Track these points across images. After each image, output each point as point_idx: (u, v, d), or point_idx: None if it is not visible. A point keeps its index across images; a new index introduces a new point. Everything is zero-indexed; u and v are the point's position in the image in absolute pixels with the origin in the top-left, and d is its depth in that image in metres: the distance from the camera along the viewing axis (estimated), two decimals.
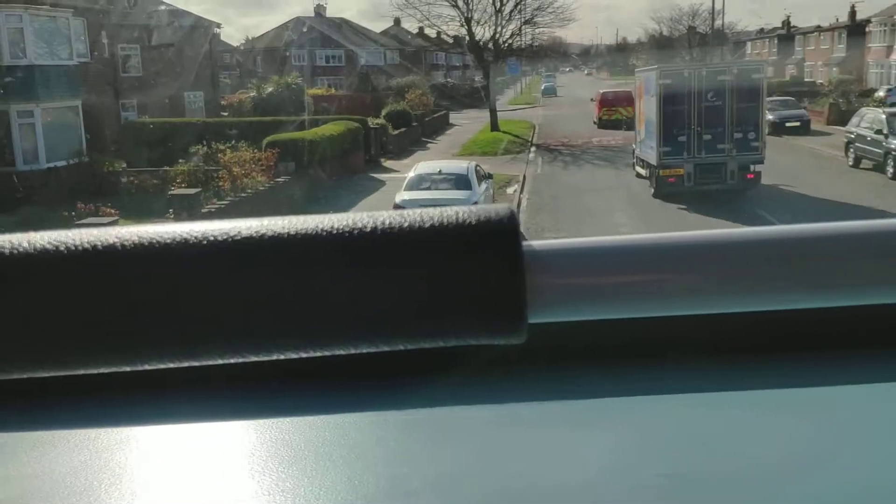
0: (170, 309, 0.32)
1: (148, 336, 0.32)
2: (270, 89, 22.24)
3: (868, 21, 38.38)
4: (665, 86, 11.99)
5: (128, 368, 0.33)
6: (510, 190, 14.71)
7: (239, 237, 0.33)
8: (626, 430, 0.67)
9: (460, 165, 12.50)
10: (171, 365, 0.33)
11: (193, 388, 0.68)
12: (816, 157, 18.22)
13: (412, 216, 0.33)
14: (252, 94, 23.50)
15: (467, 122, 30.06)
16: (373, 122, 20.11)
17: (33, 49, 15.75)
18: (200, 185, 13.14)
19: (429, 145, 23.85)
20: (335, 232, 0.33)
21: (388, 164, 19.10)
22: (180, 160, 14.38)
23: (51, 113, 16.19)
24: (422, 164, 12.62)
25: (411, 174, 11.98)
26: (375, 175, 17.26)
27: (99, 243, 0.33)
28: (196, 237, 0.33)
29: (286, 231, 0.33)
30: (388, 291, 0.32)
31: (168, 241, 0.33)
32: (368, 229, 0.33)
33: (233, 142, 14.47)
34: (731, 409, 0.69)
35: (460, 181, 11.32)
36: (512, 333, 0.33)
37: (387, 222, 0.33)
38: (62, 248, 0.32)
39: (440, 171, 11.83)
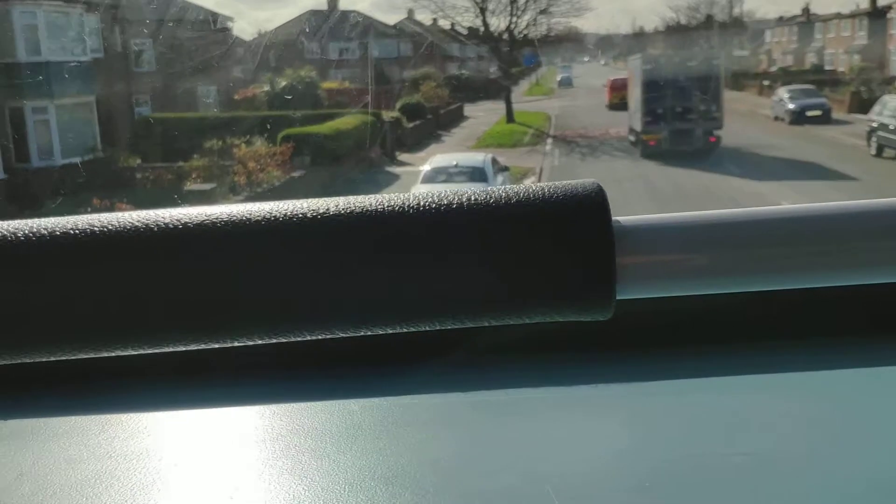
0: (219, 289, 0.31)
1: (201, 316, 0.32)
2: (284, 83, 22.17)
3: (889, 7, 37.81)
4: (646, 70, 15.81)
5: (150, 350, 0.33)
6: (527, 182, 14.52)
7: (326, 216, 0.32)
8: (635, 416, 0.66)
9: (476, 158, 12.36)
10: (224, 344, 0.33)
11: (201, 374, 0.68)
12: (838, 146, 17.91)
13: (497, 192, 0.33)
14: (265, 89, 23.45)
15: (482, 114, 29.87)
16: (387, 115, 20.00)
17: (47, 45, 15.73)
18: (215, 180, 13.07)
19: (444, 138, 23.71)
20: (422, 209, 0.32)
21: (403, 157, 18.98)
22: (195, 155, 14.32)
23: (65, 109, 16.19)
24: (437, 157, 12.50)
25: (427, 167, 11.85)
26: (390, 169, 17.14)
27: (128, 224, 0.32)
28: (284, 216, 0.32)
29: (374, 209, 0.32)
30: (476, 267, 0.32)
31: (233, 220, 0.32)
32: (454, 206, 0.32)
33: (247, 136, 14.40)
34: (748, 393, 0.69)
35: (476, 174, 11.19)
36: (600, 310, 0.33)
37: (472, 198, 0.33)
38: (84, 230, 0.32)
39: (456, 163, 11.70)
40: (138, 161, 15.80)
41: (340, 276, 0.32)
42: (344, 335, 0.33)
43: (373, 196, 0.33)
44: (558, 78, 54.59)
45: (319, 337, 0.33)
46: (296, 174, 13.69)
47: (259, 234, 0.32)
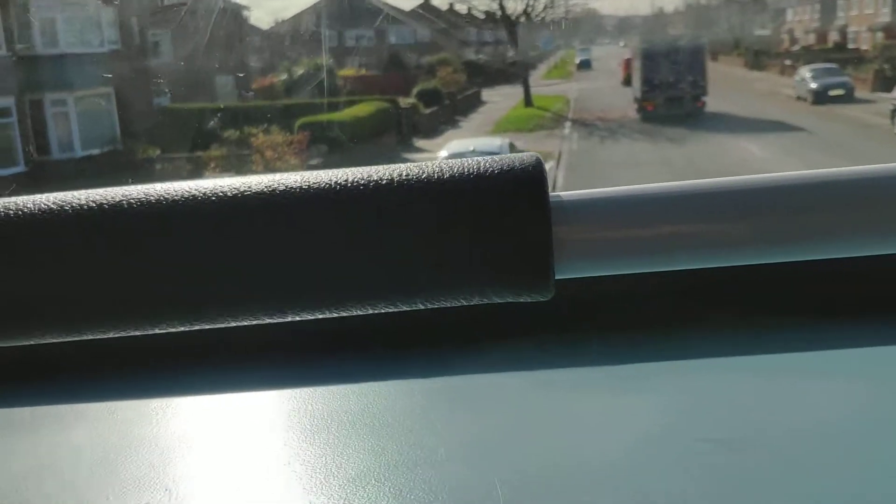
0: (184, 268, 0.31)
1: (166, 298, 0.31)
2: (301, 72, 22.18)
3: None
4: (644, 49, 19.60)
5: (140, 332, 0.32)
6: (546, 167, 14.45)
7: (242, 194, 0.31)
8: (662, 396, 0.65)
9: (493, 143, 12.30)
10: (186, 328, 0.32)
11: (210, 359, 0.68)
12: (862, 125, 17.64)
13: (430, 167, 0.31)
14: (283, 78, 23.48)
15: (500, 99, 29.73)
16: (404, 101, 19.97)
17: (65, 37, 15.83)
18: (233, 169, 13.14)
19: (461, 123, 23.64)
20: (349, 185, 0.31)
21: (420, 143, 18.95)
22: (213, 145, 14.40)
23: (84, 101, 16.31)
24: (454, 143, 12.45)
25: (443, 153, 11.82)
26: (407, 155, 17.11)
27: (121, 200, 0.31)
28: (199, 195, 0.31)
29: (297, 185, 0.31)
30: (406, 247, 0.30)
31: (181, 198, 0.31)
32: (384, 181, 0.31)
33: (265, 125, 14.45)
34: (776, 373, 0.67)
35: None
36: (538, 290, 0.31)
37: (403, 174, 0.31)
38: (88, 206, 0.31)
39: (473, 149, 11.65)
40: (157, 152, 15.90)
41: (261, 255, 0.30)
42: (270, 321, 0.31)
43: (297, 173, 0.31)
44: (577, 61, 54.17)
45: (244, 323, 0.32)
46: (313, 162, 13.70)
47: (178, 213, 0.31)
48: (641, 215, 0.32)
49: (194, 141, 15.63)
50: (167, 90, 21.40)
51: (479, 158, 0.32)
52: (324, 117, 15.35)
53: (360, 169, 0.32)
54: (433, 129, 21.43)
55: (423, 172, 0.31)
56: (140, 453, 0.62)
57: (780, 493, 0.53)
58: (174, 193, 0.31)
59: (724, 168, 13.23)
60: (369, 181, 0.31)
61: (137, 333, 0.32)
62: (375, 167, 0.31)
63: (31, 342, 0.32)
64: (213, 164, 13.86)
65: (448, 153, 11.54)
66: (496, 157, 0.32)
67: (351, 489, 0.56)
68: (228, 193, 0.31)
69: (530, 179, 0.30)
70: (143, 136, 17.52)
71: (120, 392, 0.70)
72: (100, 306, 0.31)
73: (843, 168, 0.32)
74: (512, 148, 11.66)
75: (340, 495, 0.55)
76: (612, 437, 0.60)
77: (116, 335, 0.32)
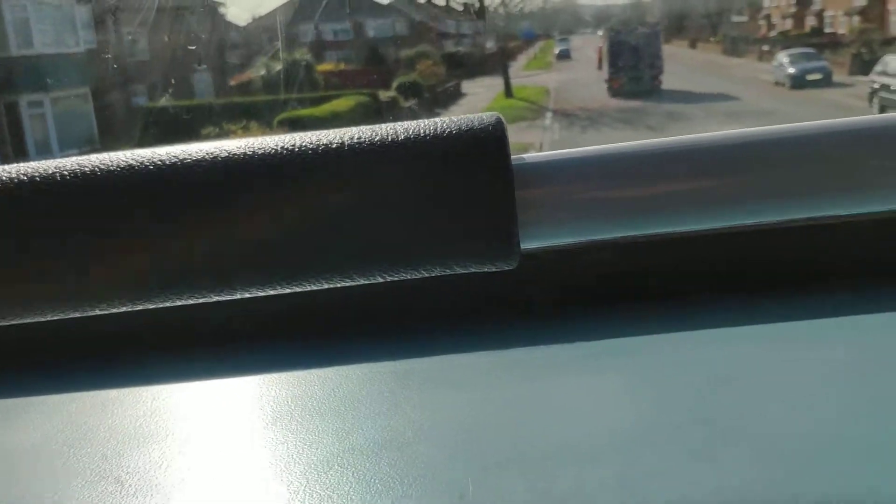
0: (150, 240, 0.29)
1: (136, 273, 0.29)
2: (279, 67, 22.10)
3: None
4: (610, 37, 23.17)
5: (114, 310, 0.30)
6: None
7: (182, 162, 0.29)
8: (637, 372, 0.64)
9: None
10: (151, 305, 0.30)
11: (168, 347, 0.67)
12: (841, 108, 17.80)
13: (385, 129, 0.29)
14: (261, 73, 23.37)
15: (481, 91, 29.72)
16: (384, 95, 19.93)
17: (40, 38, 15.67)
18: None
19: (442, 116, 23.64)
20: (298, 150, 0.29)
21: None
22: (192, 142, 14.34)
23: (61, 102, 16.17)
24: None
25: None
26: None
27: (113, 166, 0.29)
28: (147, 162, 0.29)
29: (242, 153, 0.29)
30: (362, 216, 0.28)
31: (125, 169, 0.29)
32: (334, 145, 0.29)
33: (243, 122, 14.38)
34: (750, 344, 0.67)
35: None
36: (503, 258, 0.29)
37: (355, 136, 0.29)
38: (70, 173, 0.29)
39: None
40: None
41: (213, 231, 0.28)
42: (219, 298, 0.30)
43: (243, 140, 0.30)
44: (556, 51, 54.34)
45: (196, 301, 0.30)
46: None
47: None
48: (609, 176, 0.30)
49: (173, 139, 15.52)
50: (145, 89, 21.24)
51: (438, 119, 0.30)
52: (303, 112, 15.28)
53: (311, 133, 0.30)
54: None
55: (377, 135, 0.29)
56: (93, 444, 0.60)
57: (761, 467, 0.52)
58: (116, 164, 0.29)
59: None
60: (319, 145, 0.29)
61: (105, 312, 0.30)
62: (328, 131, 0.29)
63: (26, 320, 0.30)
64: None
65: None
66: (455, 118, 0.30)
67: (314, 475, 0.55)
68: (168, 162, 0.29)
69: (491, 140, 0.28)
70: (122, 136, 17.39)
71: (75, 383, 0.68)
72: (71, 283, 0.29)
73: (813, 122, 0.31)
74: None
75: (303, 482, 0.54)
76: (584, 415, 0.59)
77: (91, 313, 0.30)
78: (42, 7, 16.03)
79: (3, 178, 0.29)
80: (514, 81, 27.07)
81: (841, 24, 43.17)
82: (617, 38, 23.04)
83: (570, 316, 0.70)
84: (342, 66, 31.02)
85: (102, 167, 0.29)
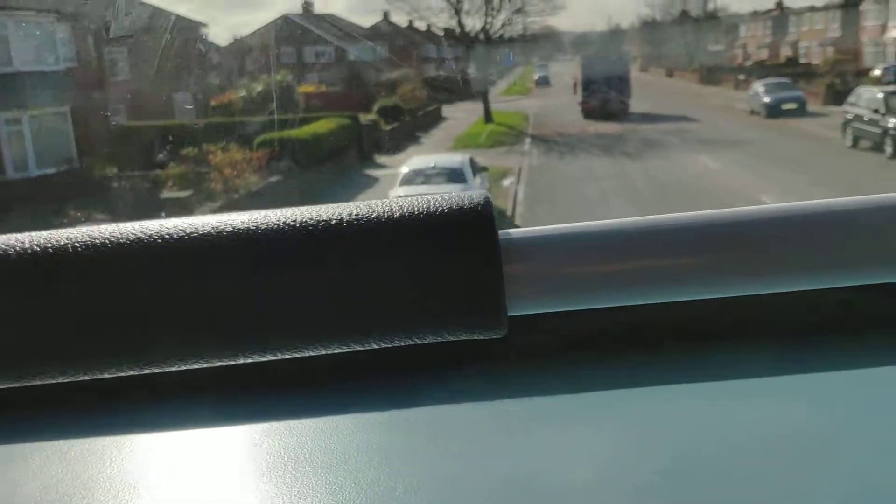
0: (146, 310, 0.30)
1: (132, 339, 0.30)
2: (260, 88, 22.07)
3: None
4: (583, 65, 25.49)
5: (111, 375, 0.31)
6: (506, 182, 14.55)
7: (189, 235, 0.31)
8: (623, 424, 0.65)
9: (454, 159, 12.35)
10: (154, 370, 0.31)
11: (172, 394, 0.67)
12: (814, 138, 18.06)
13: (379, 206, 0.32)
14: (242, 94, 23.32)
15: (461, 115, 29.88)
16: (364, 118, 19.96)
17: (19, 56, 15.59)
18: (192, 187, 13.00)
19: (422, 139, 23.69)
20: (297, 226, 0.31)
21: (381, 159, 18.96)
22: (171, 163, 14.24)
23: (39, 120, 16.07)
24: (415, 159, 12.48)
25: (405, 169, 11.83)
26: (369, 171, 17.11)
27: (91, 241, 0.31)
28: (148, 234, 0.31)
29: (246, 226, 0.31)
30: (355, 287, 0.30)
31: (125, 240, 0.31)
32: (333, 222, 0.31)
33: (223, 142, 14.33)
34: (728, 398, 0.68)
35: (455, 175, 11.18)
36: (491, 327, 0.31)
37: (353, 213, 0.31)
38: (55, 247, 0.30)
39: (434, 165, 11.68)
40: (115, 170, 15.70)
41: (214, 295, 0.30)
42: (221, 363, 0.31)
43: (253, 212, 0.31)
44: (535, 77, 54.87)
45: (194, 366, 0.31)
46: (273, 179, 13.63)
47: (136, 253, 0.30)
48: (591, 252, 0.32)
49: (152, 159, 15.44)
50: (124, 108, 21.14)
51: (429, 197, 0.32)
52: (283, 134, 15.28)
53: (311, 208, 0.31)
54: (394, 145, 21.45)
55: (373, 212, 0.31)
56: (92, 493, 0.60)
57: None
58: (112, 236, 0.30)
59: (677, 181, 13.45)
60: (319, 222, 0.30)
61: (89, 377, 0.31)
62: (326, 206, 0.31)
63: (12, 385, 0.31)
64: (171, 183, 13.72)
65: (409, 169, 11.56)
66: (445, 196, 0.31)
67: None
68: (174, 235, 0.30)
69: (479, 218, 0.30)
70: (100, 155, 17.28)
71: (70, 430, 0.68)
72: (86, 348, 0.30)
73: (796, 203, 0.33)
74: (473, 164, 11.73)
75: None
76: (570, 467, 0.60)
77: (66, 379, 0.31)
78: (22, 25, 15.97)
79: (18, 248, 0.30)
80: (493, 106, 27.22)
81: (815, 54, 43.93)
82: (590, 65, 25.70)
83: (559, 368, 0.71)
84: (323, 88, 31.06)
85: (110, 238, 0.30)
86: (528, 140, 21.40)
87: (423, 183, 11.00)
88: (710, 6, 47.49)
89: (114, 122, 19.92)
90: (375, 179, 15.98)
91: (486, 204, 0.31)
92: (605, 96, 23.93)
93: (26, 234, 0.31)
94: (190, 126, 18.31)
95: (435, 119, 30.33)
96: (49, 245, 0.30)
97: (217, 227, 0.31)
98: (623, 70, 25.01)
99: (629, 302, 0.33)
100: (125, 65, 21.78)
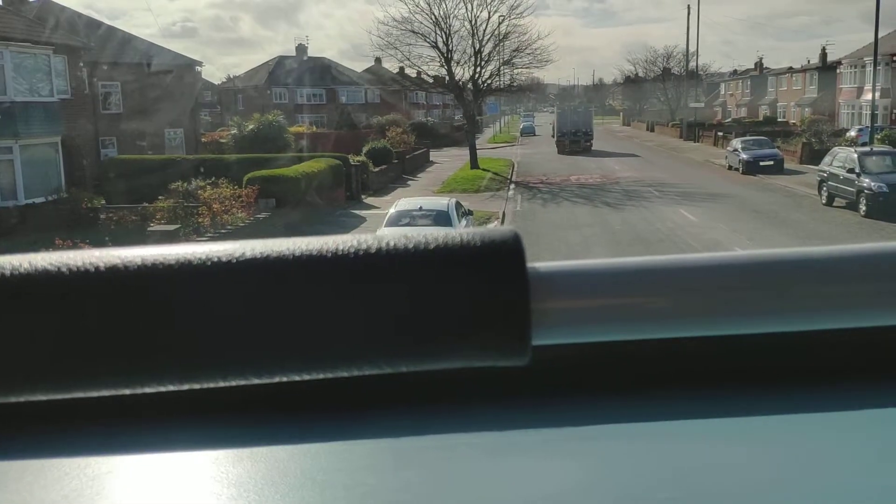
0: (161, 331, 0.31)
1: (144, 358, 0.32)
2: (251, 126, 22.31)
3: (839, 63, 39.26)
4: (558, 114, 37.49)
5: (124, 392, 0.33)
6: (490, 227, 14.79)
7: (245, 258, 0.32)
8: (626, 458, 0.66)
9: (441, 202, 12.57)
10: (164, 388, 0.33)
11: (175, 416, 0.67)
12: (791, 195, 18.52)
13: (417, 238, 0.33)
14: (233, 132, 23.54)
15: (447, 160, 30.28)
16: (354, 159, 20.21)
17: (13, 86, 15.76)
18: (180, 221, 13.11)
19: (409, 182, 23.97)
20: (340, 253, 0.32)
21: (368, 200, 19.17)
22: (160, 197, 14.36)
23: (30, 149, 16.16)
24: (402, 201, 12.68)
25: (392, 210, 12.03)
26: (356, 211, 17.31)
27: (99, 264, 0.32)
28: (195, 258, 0.32)
29: (291, 252, 0.32)
30: (392, 312, 0.32)
31: (160, 263, 0.32)
32: (374, 251, 0.32)
33: (212, 178, 14.48)
34: (731, 436, 0.69)
35: (441, 217, 11.39)
36: (516, 355, 0.33)
37: (391, 244, 0.33)
38: (62, 269, 0.32)
39: (421, 207, 11.90)
40: (102, 202, 15.80)
41: (257, 318, 0.32)
42: (260, 380, 0.33)
43: (288, 239, 0.33)
44: (521, 126, 55.77)
45: (231, 383, 0.33)
46: (261, 216, 13.80)
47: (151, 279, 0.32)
48: (614, 286, 0.34)
49: (141, 192, 15.57)
50: (115, 141, 21.28)
51: (462, 231, 0.34)
52: (273, 172, 15.48)
53: (349, 237, 0.33)
54: (382, 186, 21.69)
55: (410, 243, 0.33)
56: None
57: None
58: (132, 260, 0.32)
59: (655, 230, 13.77)
60: (358, 250, 0.32)
61: (124, 392, 0.33)
62: (362, 235, 0.33)
63: (14, 399, 0.33)
64: (158, 215, 13.82)
65: (396, 210, 11.77)
66: (478, 230, 0.34)
67: None
68: (213, 259, 0.32)
69: (509, 252, 0.33)
70: (89, 186, 17.34)
71: (85, 448, 0.67)
72: (89, 366, 0.32)
73: (809, 248, 0.36)
74: (459, 207, 11.94)
75: None
76: (587, 499, 0.61)
77: (103, 393, 0.33)
78: (18, 56, 16.17)
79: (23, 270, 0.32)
80: (480, 153, 27.57)
81: (793, 113, 44.86)
82: (563, 114, 37.53)
83: (577, 398, 0.72)
84: (314, 129, 31.35)
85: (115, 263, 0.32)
86: (512, 186, 21.74)
87: (408, 224, 11.20)
88: (691, 64, 48.53)
89: (104, 155, 20.05)
90: (363, 219, 16.18)
91: (516, 238, 0.33)
92: (573, 137, 35.39)
93: (84, 251, 0.33)
94: (180, 161, 18.43)
95: (423, 162, 30.50)
96: (101, 263, 0.32)
97: (261, 252, 0.33)
98: (587, 119, 36.71)
99: (652, 335, 0.35)
100: (118, 99, 21.98)
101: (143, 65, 22.82)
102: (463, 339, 0.33)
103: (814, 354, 0.72)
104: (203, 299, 0.32)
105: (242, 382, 0.33)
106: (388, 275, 0.32)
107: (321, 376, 0.33)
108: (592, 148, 34.80)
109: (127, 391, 0.33)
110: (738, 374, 0.72)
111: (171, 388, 0.33)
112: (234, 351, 0.32)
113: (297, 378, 0.33)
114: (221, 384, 0.33)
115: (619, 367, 0.72)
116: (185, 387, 0.33)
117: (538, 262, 0.34)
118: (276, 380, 0.33)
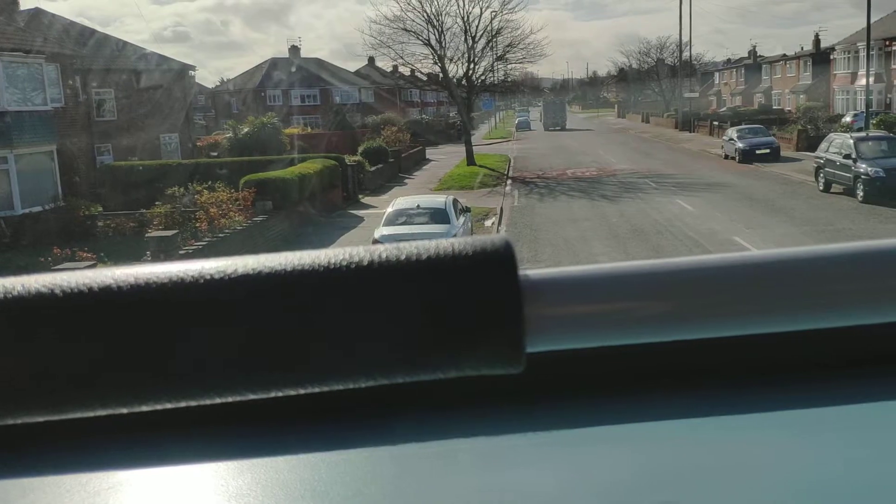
0: (164, 348, 0.32)
1: (148, 376, 0.32)
2: (246, 129, 22.29)
3: (832, 49, 39.27)
4: (544, 105, 66.27)
5: (125, 410, 0.33)
6: (488, 223, 14.81)
7: (233, 275, 0.32)
8: (623, 459, 0.66)
9: (438, 200, 12.57)
10: (167, 405, 0.33)
11: (177, 430, 0.67)
12: (788, 183, 18.52)
13: (408, 248, 0.33)
14: (228, 135, 23.51)
15: (444, 157, 30.27)
16: (350, 159, 20.19)
17: (7, 95, 15.73)
18: (177, 226, 13.09)
19: (406, 181, 23.96)
20: (332, 267, 0.33)
21: (365, 200, 19.17)
22: (157, 202, 14.34)
23: (26, 158, 16.14)
24: (400, 200, 12.68)
25: (389, 209, 12.02)
26: (354, 211, 17.31)
27: (92, 284, 0.32)
28: (186, 277, 0.32)
29: (283, 268, 0.32)
30: (385, 324, 0.32)
31: (165, 280, 0.32)
32: (365, 262, 0.33)
33: (209, 182, 14.45)
34: (730, 433, 0.69)
35: (438, 215, 11.38)
36: (510, 363, 0.33)
37: (383, 255, 0.33)
38: (56, 291, 0.32)
39: (418, 205, 11.89)
40: (100, 209, 15.78)
41: (248, 333, 0.32)
42: (253, 396, 0.33)
43: (279, 255, 0.34)
44: (516, 121, 56.90)
45: (224, 400, 0.33)
46: (258, 219, 13.79)
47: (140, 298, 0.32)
48: (607, 291, 0.34)
49: (138, 198, 15.55)
50: (111, 147, 21.26)
51: (454, 240, 0.34)
52: (269, 175, 15.47)
53: (340, 249, 0.33)
54: (379, 185, 21.69)
55: (402, 253, 0.33)
56: None
57: None
58: (119, 280, 0.32)
59: (653, 221, 13.77)
60: (350, 262, 0.33)
61: (124, 411, 0.33)
62: (355, 248, 0.33)
63: (12, 421, 0.33)
64: (156, 221, 13.80)
65: (394, 209, 11.76)
66: (469, 238, 0.34)
67: None
68: (208, 276, 0.32)
69: (501, 260, 0.33)
70: (86, 194, 17.32)
71: (86, 464, 0.67)
72: (83, 386, 0.32)
73: (799, 248, 0.36)
74: (456, 204, 11.94)
75: None
76: (581, 500, 0.61)
77: (100, 413, 0.33)
78: (11, 65, 16.14)
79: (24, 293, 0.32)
80: (475, 149, 27.55)
81: (788, 101, 44.84)
82: (546, 105, 60.79)
83: (573, 403, 0.72)
84: (309, 130, 31.29)
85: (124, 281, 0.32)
86: (509, 182, 21.74)
87: (406, 223, 11.19)
88: (685, 55, 48.55)
89: (100, 162, 20.02)
90: (360, 219, 16.18)
91: (508, 246, 0.33)
92: (553, 120, 55.77)
93: (77, 272, 0.33)
94: (175, 166, 18.41)
95: (419, 160, 30.35)
96: (94, 283, 0.32)
97: (253, 268, 0.33)
98: (563, 108, 59.17)
99: (645, 340, 0.35)
100: (112, 106, 21.94)
101: (137, 71, 22.81)
102: (457, 349, 0.33)
103: (807, 350, 0.72)
104: (200, 317, 0.32)
105: (238, 399, 0.33)
106: (381, 286, 0.32)
107: (317, 390, 0.33)
108: (567, 127, 53.78)
109: (125, 410, 0.33)
110: (729, 371, 0.73)
111: (169, 406, 0.33)
112: (227, 369, 0.32)
113: (292, 393, 0.33)
114: (218, 401, 0.33)
115: (613, 369, 0.72)
116: (184, 404, 0.33)
117: (530, 270, 0.34)
118: (272, 395, 0.33)
